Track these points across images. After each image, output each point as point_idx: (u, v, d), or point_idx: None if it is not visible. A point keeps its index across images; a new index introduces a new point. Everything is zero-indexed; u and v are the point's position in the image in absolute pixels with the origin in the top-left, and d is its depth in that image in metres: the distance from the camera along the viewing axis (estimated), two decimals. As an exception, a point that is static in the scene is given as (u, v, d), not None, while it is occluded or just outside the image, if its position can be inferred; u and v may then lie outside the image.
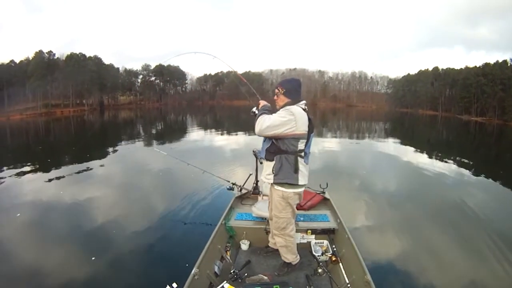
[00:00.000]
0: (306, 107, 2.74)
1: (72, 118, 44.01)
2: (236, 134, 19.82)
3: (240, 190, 4.44)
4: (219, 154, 12.43)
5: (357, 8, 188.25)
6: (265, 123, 2.56)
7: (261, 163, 3.89)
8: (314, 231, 3.45)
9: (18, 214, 5.76)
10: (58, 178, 8.83)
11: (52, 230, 5.22)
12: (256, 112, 2.81)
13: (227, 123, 29.89)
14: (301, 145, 2.65)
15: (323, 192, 4.27)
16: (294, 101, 2.71)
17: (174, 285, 2.76)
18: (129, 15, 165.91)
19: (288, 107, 2.64)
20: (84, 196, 6.72)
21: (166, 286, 2.80)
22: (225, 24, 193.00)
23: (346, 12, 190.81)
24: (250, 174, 4.33)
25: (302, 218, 3.65)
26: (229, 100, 78.50)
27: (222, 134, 20.29)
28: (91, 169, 9.92)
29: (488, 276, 3.91)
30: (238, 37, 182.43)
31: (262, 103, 2.84)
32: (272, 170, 2.70)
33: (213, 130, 24.04)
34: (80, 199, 6.53)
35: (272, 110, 2.75)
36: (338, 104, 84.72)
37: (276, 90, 2.80)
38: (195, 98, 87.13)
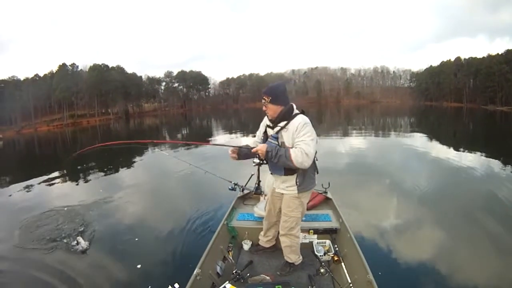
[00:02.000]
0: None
1: (98, 128, 45.68)
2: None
3: (242, 191, 4.44)
4: (223, 154, 12.42)
5: (376, 2, 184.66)
6: (310, 155, 2.36)
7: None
8: (316, 231, 3.42)
9: (66, 209, 6.34)
10: (86, 181, 9.62)
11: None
12: (258, 160, 2.52)
13: (251, 125, 29.46)
14: (317, 148, 2.56)
15: (325, 192, 4.22)
16: (288, 108, 2.54)
17: (176, 285, 2.80)
18: (150, 23, 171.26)
19: (305, 122, 2.43)
20: (94, 197, 7.11)
21: (168, 286, 2.86)
22: (245, 27, 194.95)
23: (365, 6, 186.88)
24: (252, 174, 4.25)
25: (304, 218, 3.59)
26: (253, 103, 78.48)
27: (245, 136, 20.01)
28: (108, 173, 10.60)
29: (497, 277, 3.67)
30: (258, 39, 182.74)
31: (262, 149, 2.44)
32: (296, 182, 2.60)
33: (237, 132, 23.71)
34: (91, 200, 6.92)
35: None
36: (362, 101, 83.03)
37: (263, 100, 2.55)
38: (219, 102, 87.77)
